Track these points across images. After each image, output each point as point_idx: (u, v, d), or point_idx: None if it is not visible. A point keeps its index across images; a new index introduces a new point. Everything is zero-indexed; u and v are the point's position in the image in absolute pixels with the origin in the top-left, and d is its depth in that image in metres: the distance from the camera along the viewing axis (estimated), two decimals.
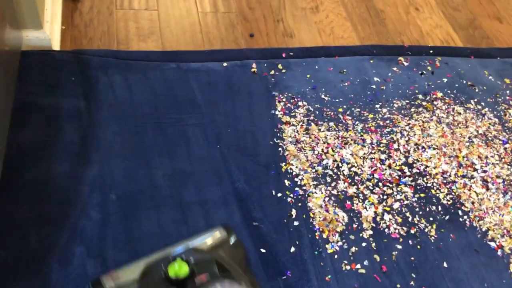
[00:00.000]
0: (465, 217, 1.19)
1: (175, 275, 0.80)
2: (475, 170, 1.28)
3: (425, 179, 1.24)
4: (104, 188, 1.06)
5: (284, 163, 1.20)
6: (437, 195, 1.21)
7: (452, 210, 1.19)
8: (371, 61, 1.49)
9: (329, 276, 1.03)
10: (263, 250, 1.04)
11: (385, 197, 1.18)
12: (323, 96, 1.36)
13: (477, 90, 1.49)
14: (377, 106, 1.37)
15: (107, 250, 0.98)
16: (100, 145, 1.13)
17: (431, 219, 1.17)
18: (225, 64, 1.38)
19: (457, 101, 1.44)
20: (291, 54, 1.45)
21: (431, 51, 1.57)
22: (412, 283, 1.05)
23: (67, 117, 1.16)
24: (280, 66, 1.41)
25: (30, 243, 0.96)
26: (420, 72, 1.50)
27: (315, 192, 1.16)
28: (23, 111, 1.15)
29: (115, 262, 0.95)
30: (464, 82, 1.50)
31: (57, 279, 0.92)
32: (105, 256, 0.97)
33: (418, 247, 1.11)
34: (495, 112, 1.44)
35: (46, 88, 1.20)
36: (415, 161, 1.27)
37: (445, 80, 1.49)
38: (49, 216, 1.00)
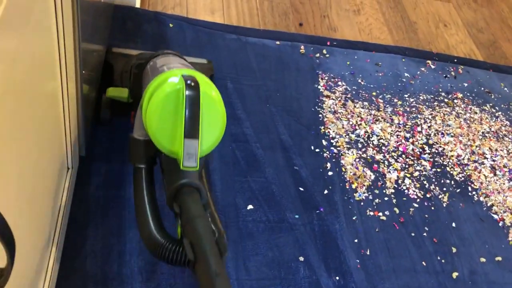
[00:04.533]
0: (474, 192, 1.37)
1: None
2: (486, 158, 1.47)
3: (442, 158, 1.42)
4: None
5: (322, 127, 1.39)
6: (451, 172, 1.39)
7: (463, 186, 1.37)
8: (403, 60, 1.69)
9: (355, 217, 1.21)
10: (301, 189, 1.22)
11: (407, 166, 1.37)
12: (359, 81, 1.56)
13: (493, 97, 1.68)
14: (406, 95, 1.57)
15: None
16: None
17: (444, 189, 1.34)
18: (277, 42, 1.58)
19: (474, 103, 1.63)
20: (335, 43, 1.65)
21: (455, 60, 1.77)
22: (424, 234, 1.23)
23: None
24: (324, 51, 1.61)
25: None
26: (444, 75, 1.69)
27: (348, 153, 1.34)
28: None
29: None
30: (482, 89, 1.70)
31: None
32: None
33: (432, 208, 1.29)
34: (507, 116, 1.63)
35: (129, 35, 1.41)
36: (435, 143, 1.45)
37: (465, 84, 1.69)
38: None
